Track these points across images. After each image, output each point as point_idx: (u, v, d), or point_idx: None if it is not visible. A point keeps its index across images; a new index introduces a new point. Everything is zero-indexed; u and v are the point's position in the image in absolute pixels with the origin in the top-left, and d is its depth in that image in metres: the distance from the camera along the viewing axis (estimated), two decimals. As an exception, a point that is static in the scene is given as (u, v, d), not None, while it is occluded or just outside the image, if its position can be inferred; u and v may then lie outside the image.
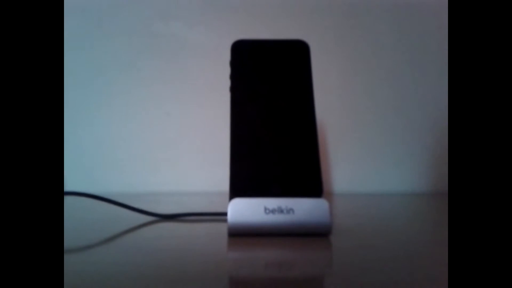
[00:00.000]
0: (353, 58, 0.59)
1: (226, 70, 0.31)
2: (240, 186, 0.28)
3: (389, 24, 0.59)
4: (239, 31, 0.58)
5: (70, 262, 0.21)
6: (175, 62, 0.59)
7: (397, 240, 0.28)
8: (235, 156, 0.29)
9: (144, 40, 0.59)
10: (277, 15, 0.59)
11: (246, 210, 0.27)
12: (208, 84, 0.58)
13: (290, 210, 0.27)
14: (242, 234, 0.27)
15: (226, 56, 0.32)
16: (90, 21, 0.59)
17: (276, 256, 0.23)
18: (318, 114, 0.31)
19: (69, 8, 0.57)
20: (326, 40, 0.59)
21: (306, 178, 0.28)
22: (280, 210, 0.27)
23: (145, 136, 0.58)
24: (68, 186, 0.38)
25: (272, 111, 0.30)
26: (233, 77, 0.31)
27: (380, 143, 0.59)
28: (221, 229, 0.29)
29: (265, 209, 0.27)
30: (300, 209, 0.27)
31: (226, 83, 0.31)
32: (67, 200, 0.30)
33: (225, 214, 0.28)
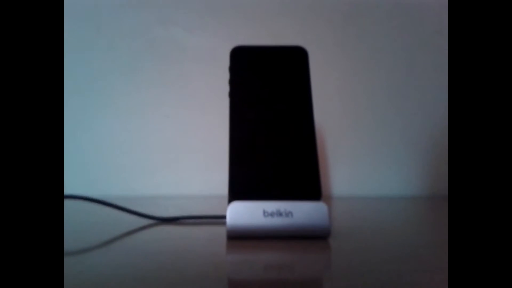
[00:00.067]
0: (352, 60, 0.60)
1: (225, 75, 0.31)
2: (239, 190, 0.28)
3: (388, 26, 0.60)
4: (238, 35, 0.58)
5: (70, 265, 0.21)
6: (174, 67, 0.59)
7: (395, 242, 0.28)
8: (234, 159, 0.29)
9: (143, 44, 0.59)
10: (276, 19, 0.59)
11: (245, 213, 0.27)
12: (207, 89, 0.58)
13: (289, 213, 0.27)
14: (241, 237, 0.27)
15: (225, 61, 0.32)
16: (90, 25, 0.59)
17: (275, 259, 0.23)
18: (316, 117, 0.31)
19: (69, 12, 0.57)
20: (325, 42, 0.59)
21: (304, 181, 0.28)
22: (279, 213, 0.27)
23: (144, 140, 0.58)
24: (68, 189, 0.38)
25: (271, 115, 0.30)
26: (232, 82, 0.31)
27: (378, 146, 0.59)
28: (220, 232, 0.29)
29: (264, 212, 0.27)
30: (299, 212, 0.27)
31: (225, 87, 0.31)
32: (67, 203, 0.31)
33: (224, 217, 0.28)
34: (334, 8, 0.59)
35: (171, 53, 0.59)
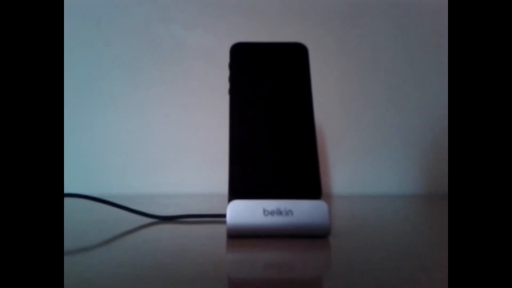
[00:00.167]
0: (351, 60, 0.60)
1: (225, 72, 0.31)
2: (239, 188, 0.28)
3: (388, 25, 0.60)
4: (238, 33, 0.58)
5: (70, 264, 0.21)
6: (174, 64, 0.59)
7: (395, 241, 0.28)
8: (234, 158, 0.29)
9: (143, 43, 0.59)
10: (276, 17, 0.59)
11: (245, 212, 0.27)
12: (207, 88, 0.58)
13: (289, 212, 0.27)
14: (241, 236, 0.27)
15: (225, 59, 0.32)
16: (90, 23, 0.59)
17: (275, 258, 0.23)
18: (317, 116, 0.31)
19: (69, 10, 0.57)
20: (324, 42, 0.59)
21: (304, 180, 0.28)
22: (279, 212, 0.27)
23: (144, 138, 0.58)
24: (68, 188, 0.38)
25: (271, 113, 0.30)
26: (232, 79, 0.31)
27: (378, 145, 0.59)
28: (220, 231, 0.29)
29: (264, 211, 0.27)
30: (299, 210, 0.27)
31: (225, 87, 0.31)
32: (67, 202, 0.31)
33: (224, 215, 0.28)
34: (334, 8, 0.59)
35: (171, 52, 0.59)
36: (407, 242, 0.28)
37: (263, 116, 0.30)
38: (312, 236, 0.27)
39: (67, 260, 0.22)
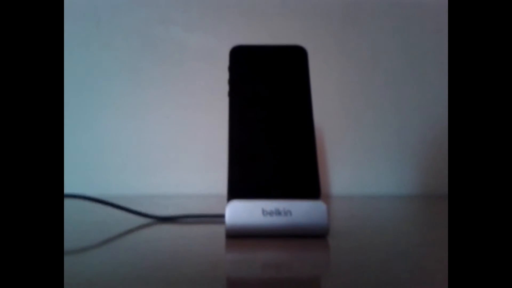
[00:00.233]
0: (351, 60, 0.60)
1: (225, 75, 0.32)
2: (238, 189, 0.28)
3: (388, 25, 0.60)
4: (238, 35, 0.58)
5: (69, 264, 0.21)
6: (174, 66, 0.59)
7: (394, 241, 0.28)
8: (233, 158, 0.29)
9: (143, 44, 0.59)
10: (276, 18, 0.59)
11: (244, 212, 0.27)
12: (207, 89, 0.58)
13: (287, 212, 0.27)
14: (240, 236, 0.27)
15: (225, 61, 0.32)
16: (90, 24, 0.59)
17: (274, 258, 0.24)
18: (316, 117, 0.31)
19: (69, 11, 0.57)
20: (324, 42, 0.59)
21: (303, 180, 0.28)
22: (278, 212, 0.27)
23: (143, 139, 0.58)
24: (68, 188, 0.38)
25: (270, 115, 0.30)
26: (232, 82, 0.31)
27: (377, 145, 0.59)
28: (219, 231, 0.29)
29: (263, 211, 0.27)
30: (298, 211, 0.27)
31: (225, 88, 0.31)
32: (67, 202, 0.31)
33: (223, 216, 0.28)
34: (334, 7, 0.59)
35: (171, 53, 0.59)
36: (406, 242, 0.28)
37: (262, 118, 0.30)
38: (310, 236, 0.27)
39: (66, 260, 0.22)
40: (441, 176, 0.57)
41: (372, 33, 0.60)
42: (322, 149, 0.59)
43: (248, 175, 0.28)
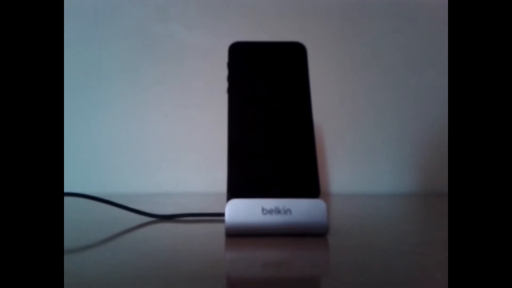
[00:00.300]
0: (350, 59, 0.60)
1: (225, 73, 0.31)
2: (238, 187, 0.28)
3: (387, 25, 0.60)
4: (237, 33, 0.58)
5: (69, 263, 0.21)
6: (173, 65, 0.59)
7: (394, 240, 0.28)
8: (233, 157, 0.29)
9: (142, 42, 0.59)
10: (275, 16, 0.59)
11: (243, 210, 0.27)
12: (205, 86, 0.58)
13: (287, 211, 0.27)
14: (239, 235, 0.27)
15: (224, 59, 0.32)
16: (89, 23, 0.59)
17: (274, 256, 0.24)
18: (315, 115, 0.31)
19: (68, 10, 0.57)
20: (323, 41, 0.59)
21: (303, 179, 0.28)
22: (278, 211, 0.27)
23: (143, 138, 0.58)
24: (67, 187, 0.38)
25: (269, 112, 0.30)
26: (231, 78, 0.31)
27: (377, 144, 0.59)
28: (218, 230, 0.29)
29: (263, 209, 0.27)
30: (298, 209, 0.27)
31: (224, 86, 0.31)
32: (66, 201, 0.31)
33: (222, 214, 0.28)
34: (334, 7, 0.59)
35: (170, 51, 0.59)
36: (406, 241, 0.28)
37: (261, 115, 0.30)
38: (310, 234, 0.27)
39: (66, 259, 0.22)
40: (441, 175, 0.58)
41: (371, 32, 0.60)
42: (322, 148, 0.59)
43: (248, 173, 0.28)
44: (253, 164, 0.29)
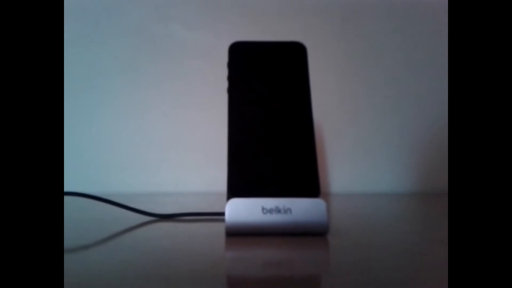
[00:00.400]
0: (350, 59, 0.60)
1: (225, 73, 0.31)
2: (238, 186, 0.28)
3: (387, 24, 0.60)
4: (237, 33, 0.58)
5: (69, 262, 0.21)
6: (173, 64, 0.59)
7: (394, 239, 0.28)
8: (233, 156, 0.29)
9: (142, 42, 0.59)
10: (275, 16, 0.59)
11: (243, 210, 0.27)
12: (205, 85, 0.58)
13: (287, 210, 0.27)
14: (239, 234, 0.27)
15: (224, 59, 0.32)
16: (89, 22, 0.59)
17: (274, 256, 0.24)
18: (315, 115, 0.31)
19: (68, 9, 0.57)
20: (323, 41, 0.59)
21: (303, 178, 0.28)
22: (278, 210, 0.27)
23: (143, 137, 0.58)
24: (67, 186, 0.38)
25: (269, 112, 0.30)
26: (231, 78, 0.31)
27: (377, 143, 0.59)
28: (218, 229, 0.29)
29: (263, 209, 0.27)
30: (298, 209, 0.27)
31: (224, 86, 0.31)
32: (66, 200, 0.31)
33: (222, 214, 0.28)
34: (334, 6, 0.59)
35: (170, 51, 0.59)
36: (406, 240, 0.28)
37: (261, 115, 0.30)
38: (310, 234, 0.27)
39: (66, 258, 0.22)
40: (441, 174, 0.58)
41: (371, 32, 0.60)
42: (322, 147, 0.59)
43: (248, 173, 0.28)
44: (253, 163, 0.29)
